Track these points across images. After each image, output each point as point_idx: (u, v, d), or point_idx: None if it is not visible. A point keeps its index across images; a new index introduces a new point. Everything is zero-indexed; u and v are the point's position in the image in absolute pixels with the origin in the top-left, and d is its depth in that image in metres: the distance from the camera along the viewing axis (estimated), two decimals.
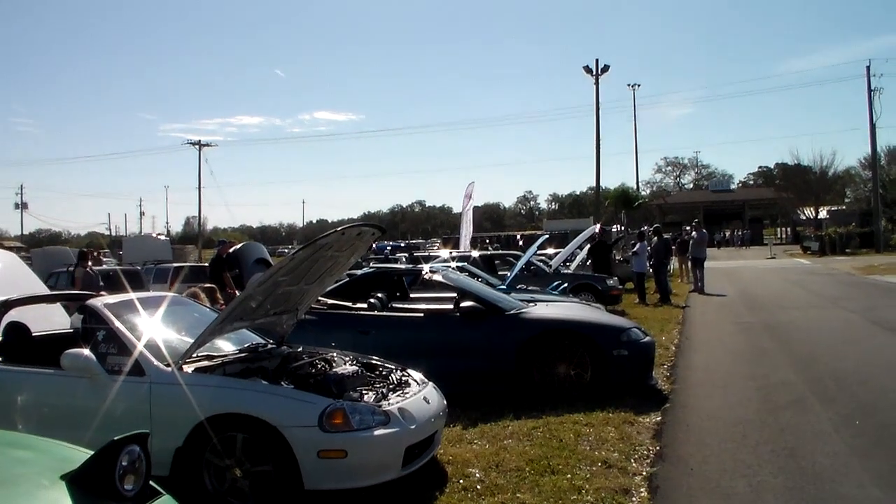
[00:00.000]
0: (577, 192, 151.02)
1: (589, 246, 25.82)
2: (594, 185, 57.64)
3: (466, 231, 36.23)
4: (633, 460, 7.46)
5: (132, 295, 8.10)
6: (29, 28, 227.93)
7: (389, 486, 6.45)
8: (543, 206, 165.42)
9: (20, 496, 3.65)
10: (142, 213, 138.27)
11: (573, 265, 26.77)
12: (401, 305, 12.42)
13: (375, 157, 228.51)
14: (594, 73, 54.13)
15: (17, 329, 8.21)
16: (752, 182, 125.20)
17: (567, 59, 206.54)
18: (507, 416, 9.10)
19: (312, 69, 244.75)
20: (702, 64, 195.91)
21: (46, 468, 3.96)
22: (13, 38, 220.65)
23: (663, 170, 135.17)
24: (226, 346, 7.80)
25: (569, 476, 6.93)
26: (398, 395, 6.97)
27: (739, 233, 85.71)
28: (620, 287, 22.93)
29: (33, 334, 8.39)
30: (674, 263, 31.73)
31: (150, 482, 4.07)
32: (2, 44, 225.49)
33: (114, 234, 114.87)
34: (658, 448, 7.85)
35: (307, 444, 6.10)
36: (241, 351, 7.76)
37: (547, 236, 36.40)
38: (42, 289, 10.31)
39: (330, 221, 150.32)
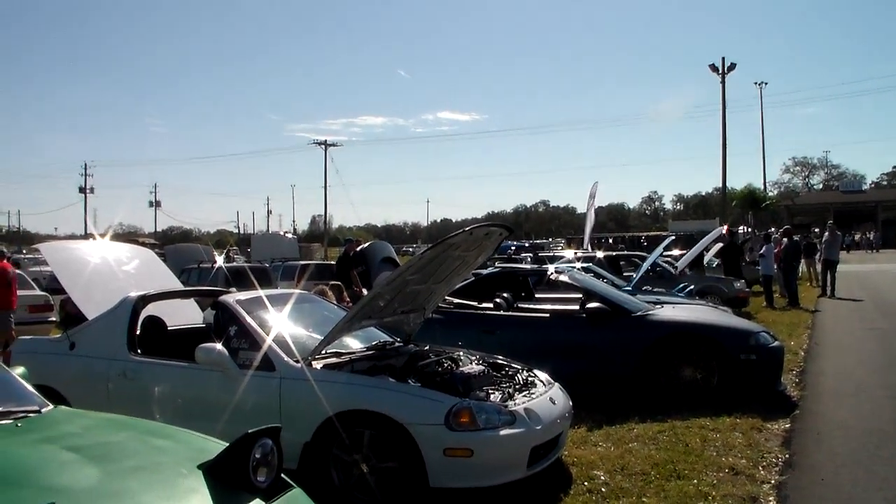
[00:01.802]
0: (703, 193, 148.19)
1: (720, 247, 25.39)
2: (720, 185, 56.52)
3: (589, 231, 35.99)
4: (761, 468, 7.29)
5: (262, 292, 8.26)
6: (159, 34, 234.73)
7: (514, 486, 6.42)
8: (668, 206, 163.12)
9: (160, 483, 3.77)
10: (269, 212, 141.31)
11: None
12: (526, 305, 12.41)
13: (499, 156, 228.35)
14: (720, 71, 52.98)
15: (154, 323, 8.47)
16: (885, 182, 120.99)
17: (692, 57, 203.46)
18: (631, 419, 9.01)
19: (435, 70, 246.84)
20: (831, 61, 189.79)
21: (184, 457, 4.08)
22: (145, 43, 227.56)
23: (791, 170, 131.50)
24: (353, 343, 7.88)
25: (695, 482, 6.83)
26: (524, 396, 6.94)
27: (871, 235, 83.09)
28: (748, 290, 22.47)
29: (168, 328, 8.65)
30: (802, 267, 30.92)
31: (282, 475, 4.16)
32: (134, 49, 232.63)
33: (242, 231, 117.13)
34: (787, 456, 7.64)
35: (433, 442, 6.13)
36: (368, 348, 7.85)
37: (673, 237, 35.91)
38: (177, 284, 10.56)
39: (454, 221, 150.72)
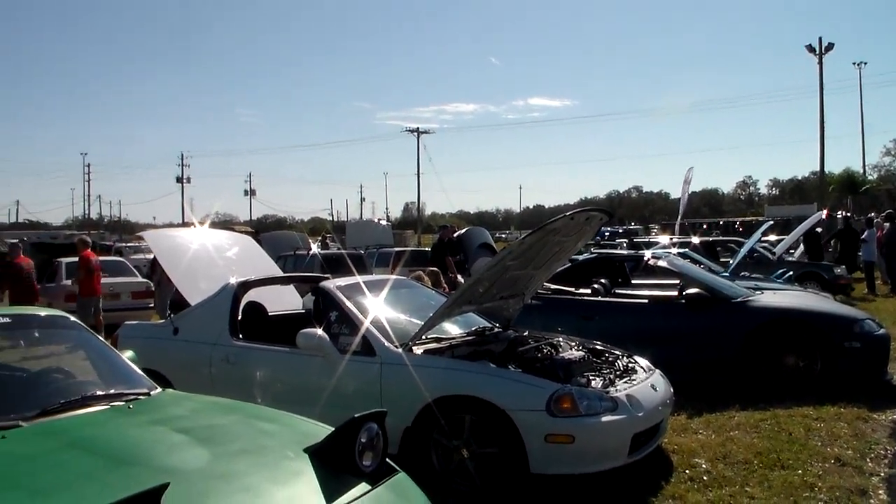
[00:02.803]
0: (799, 177, 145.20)
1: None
2: (817, 169, 55.52)
3: (683, 217, 35.58)
4: (868, 459, 7.06)
5: (360, 277, 8.31)
6: (253, 27, 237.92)
7: (614, 473, 6.35)
8: (763, 191, 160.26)
9: (267, 466, 3.81)
10: (362, 199, 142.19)
11: (797, 253, 25.79)
12: (623, 291, 12.31)
13: (591, 142, 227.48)
14: (817, 52, 51.72)
15: (255, 309, 8.58)
16: None
17: (788, 38, 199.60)
18: (732, 407, 8.84)
19: (526, 56, 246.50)
20: None
21: (290, 441, 4.12)
22: (239, 36, 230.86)
23: (893, 152, 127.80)
24: (453, 329, 7.87)
25: (800, 472, 6.66)
26: (625, 382, 6.85)
27: None
28: (848, 276, 22.00)
29: (269, 314, 8.74)
30: None
31: (387, 459, 4.17)
32: (229, 42, 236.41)
33: (336, 219, 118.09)
34: None
35: (535, 428, 6.08)
36: (468, 334, 7.83)
37: (771, 223, 35.23)
38: (276, 271, 10.67)
39: (546, 207, 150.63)
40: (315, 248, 27.66)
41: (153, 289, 17.35)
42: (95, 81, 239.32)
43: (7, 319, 5.20)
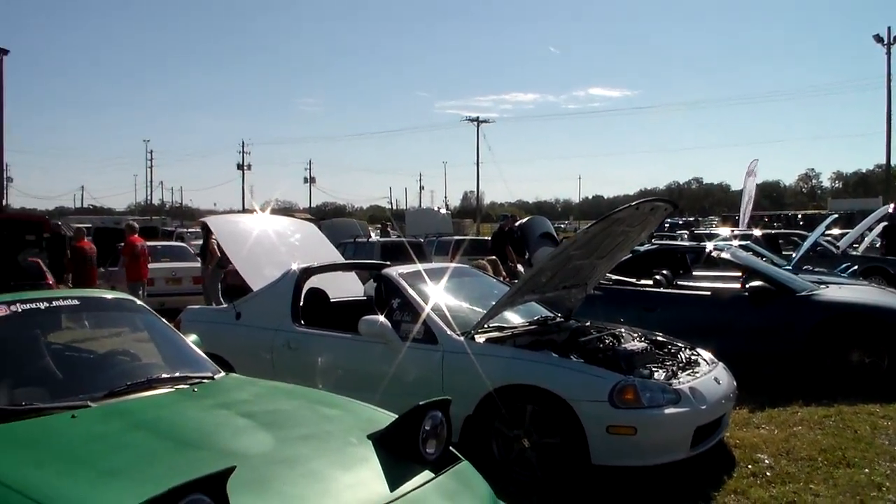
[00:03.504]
0: (864, 170, 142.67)
1: (884, 226, 24.47)
2: (883, 162, 54.58)
3: (746, 209, 35.10)
4: None
5: (422, 265, 8.30)
6: (312, 16, 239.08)
7: (676, 466, 6.28)
8: (826, 184, 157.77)
9: (331, 451, 3.81)
10: (421, 188, 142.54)
11: (861, 247, 25.37)
12: (685, 283, 12.20)
13: (651, 132, 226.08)
14: (886, 41, 50.69)
15: (317, 295, 8.61)
16: None
17: (855, 28, 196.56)
18: (795, 402, 8.71)
19: (585, 46, 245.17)
20: None
21: (354, 427, 4.12)
22: (299, 26, 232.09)
23: None
24: (515, 318, 7.82)
25: (866, 471, 6.52)
26: (688, 374, 6.76)
27: None
28: None
29: (330, 300, 8.77)
30: None
31: (450, 448, 4.16)
32: (288, 31, 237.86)
33: (394, 207, 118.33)
34: None
35: (597, 419, 6.03)
36: (530, 323, 7.79)
37: (835, 216, 34.68)
38: (338, 258, 10.72)
39: (605, 198, 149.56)
40: (375, 235, 27.79)
41: (201, 275, 17.45)
42: (159, 70, 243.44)
43: (76, 302, 5.27)
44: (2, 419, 3.82)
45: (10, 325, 4.66)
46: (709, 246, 13.24)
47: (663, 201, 7.29)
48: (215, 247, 16.01)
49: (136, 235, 16.65)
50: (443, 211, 66.34)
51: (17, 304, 4.72)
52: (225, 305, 9.06)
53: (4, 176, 55.49)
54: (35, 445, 3.57)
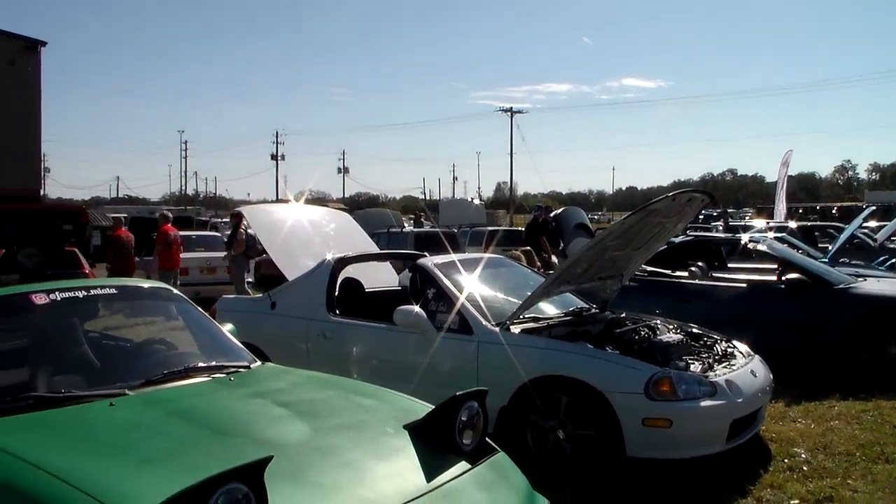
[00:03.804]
0: None
1: None
2: None
3: (781, 201, 34.86)
4: None
5: (457, 256, 8.29)
6: (346, 5, 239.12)
7: (712, 459, 6.25)
8: (862, 176, 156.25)
9: (367, 441, 3.81)
10: (454, 178, 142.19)
11: None
12: (720, 275, 12.13)
13: (686, 123, 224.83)
14: None
15: (352, 285, 8.61)
16: None
17: (887, 17, 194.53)
18: (832, 396, 8.64)
19: (619, 36, 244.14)
20: None
21: (390, 416, 4.11)
22: (331, 15, 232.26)
23: None
24: (550, 309, 7.80)
25: None
26: (724, 367, 6.72)
27: None
28: None
29: (365, 290, 8.78)
30: None
31: (486, 439, 4.15)
32: (322, 22, 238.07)
33: (428, 197, 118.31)
34: None
35: (632, 411, 6.01)
36: (565, 314, 7.76)
37: (873, 208, 34.34)
38: (373, 248, 10.72)
39: (639, 189, 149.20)
40: (408, 226, 27.78)
41: (228, 264, 17.48)
42: (193, 61, 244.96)
43: (113, 290, 5.30)
44: (41, 406, 3.86)
45: (50, 314, 4.71)
46: (744, 238, 13.14)
47: (700, 192, 7.23)
48: (244, 237, 16.11)
49: (170, 225, 16.76)
50: (476, 201, 66.26)
51: (57, 293, 4.75)
52: (249, 293, 9.08)
53: (42, 167, 55.83)
54: (73, 433, 3.59)
